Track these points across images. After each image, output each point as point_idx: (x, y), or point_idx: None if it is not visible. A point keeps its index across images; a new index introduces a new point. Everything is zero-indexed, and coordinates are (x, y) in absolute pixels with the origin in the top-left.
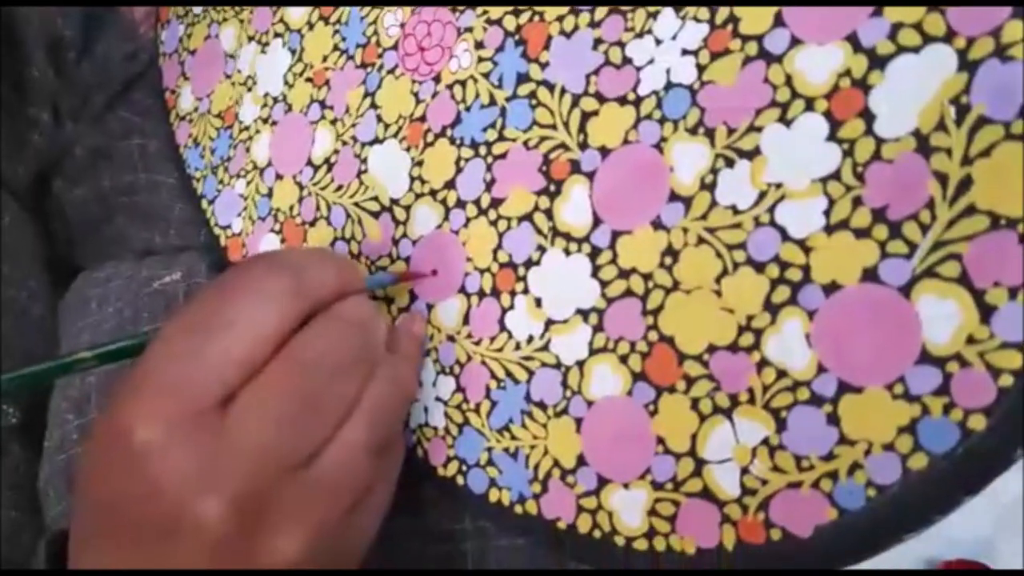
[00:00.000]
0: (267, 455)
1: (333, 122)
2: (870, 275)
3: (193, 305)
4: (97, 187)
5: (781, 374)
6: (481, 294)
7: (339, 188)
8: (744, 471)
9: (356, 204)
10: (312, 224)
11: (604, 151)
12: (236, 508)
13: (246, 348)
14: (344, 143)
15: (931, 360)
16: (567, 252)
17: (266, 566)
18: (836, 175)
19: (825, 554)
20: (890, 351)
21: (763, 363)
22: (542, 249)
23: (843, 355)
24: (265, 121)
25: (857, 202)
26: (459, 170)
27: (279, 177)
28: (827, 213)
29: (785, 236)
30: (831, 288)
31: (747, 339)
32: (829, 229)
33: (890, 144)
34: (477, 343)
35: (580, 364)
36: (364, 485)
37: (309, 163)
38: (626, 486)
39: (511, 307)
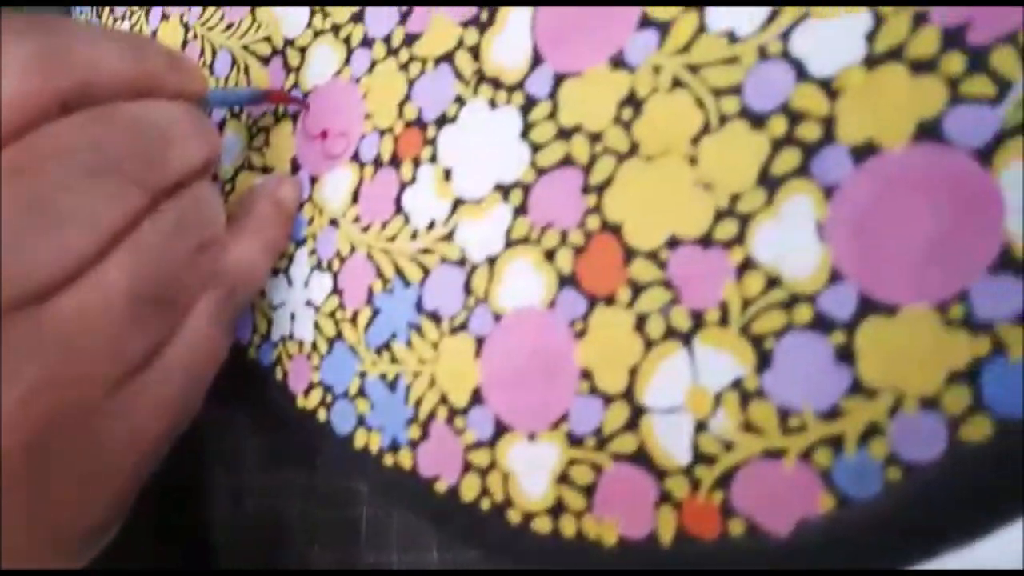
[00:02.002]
0: None
1: None
2: (929, 131)
3: None
4: None
5: (772, 283)
6: (377, 163)
7: (229, 27)
8: (701, 427)
9: (245, 47)
10: None
11: None
12: None
13: None
14: None
15: (1015, 265)
16: (493, 104)
17: None
18: None
19: (807, 566)
20: (949, 249)
21: (747, 265)
22: (461, 101)
23: (872, 254)
24: None
25: (921, 20)
26: None
27: (165, 17)
28: (871, 37)
29: (802, 73)
30: (864, 151)
31: (727, 228)
32: (872, 61)
33: None
34: (365, 230)
35: (491, 261)
36: (126, 349)
37: None
38: (531, 437)
39: (412, 180)
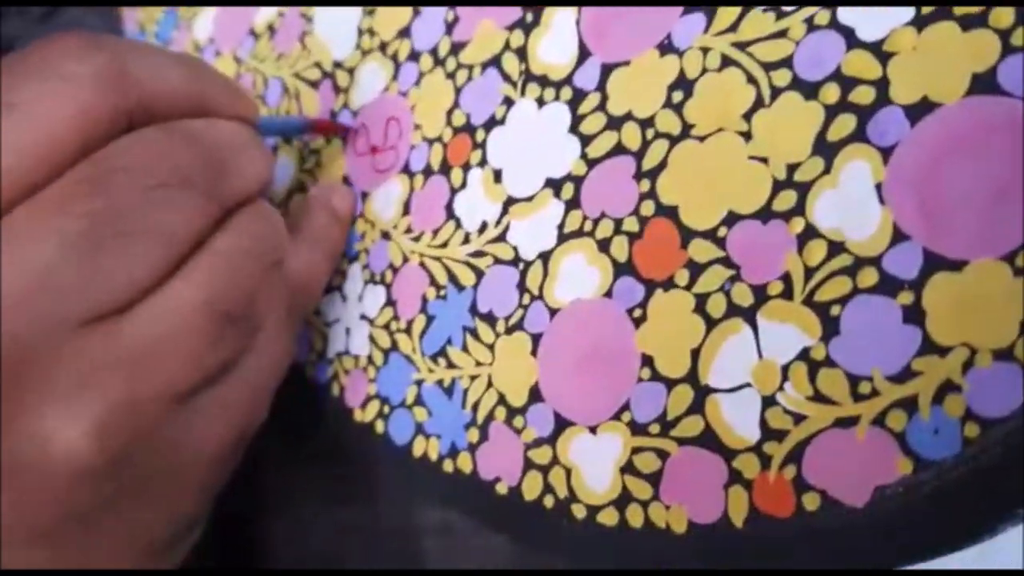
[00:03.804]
0: (39, 295)
1: None
2: (984, 83)
3: None
4: None
5: (836, 248)
6: (427, 172)
7: (279, 57)
8: (769, 402)
9: (296, 74)
10: None
11: None
12: None
13: (23, 147)
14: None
15: None
16: (540, 102)
17: (35, 461)
18: None
19: (887, 536)
20: (1013, 198)
21: (808, 234)
22: (509, 102)
23: (935, 212)
24: None
25: None
26: (416, 13)
27: (218, 54)
28: None
29: (852, 40)
30: (920, 109)
31: (786, 199)
32: (921, 22)
33: None
34: (417, 239)
35: (545, 257)
36: (200, 365)
37: (251, 33)
38: (593, 430)
39: (463, 185)
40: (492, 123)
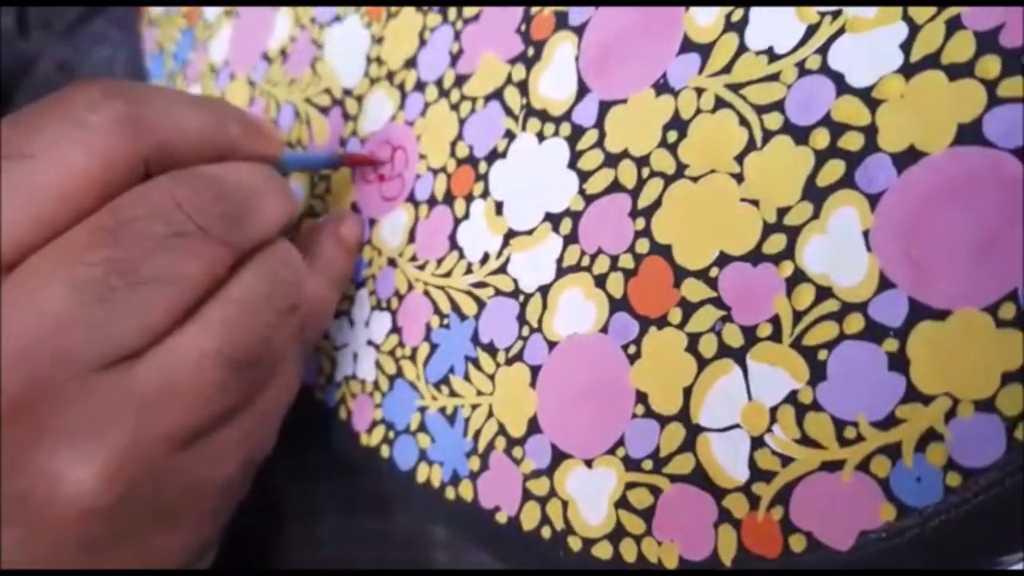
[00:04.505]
0: (54, 340)
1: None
2: (970, 134)
3: None
4: None
5: (823, 294)
6: (432, 201)
7: (291, 82)
8: (757, 443)
9: (307, 100)
10: None
11: None
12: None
13: (41, 196)
14: (302, 27)
15: None
16: (541, 136)
17: (44, 498)
18: None
19: None
20: (997, 250)
21: (797, 278)
22: (510, 135)
23: (920, 261)
24: (228, 14)
25: (954, 25)
26: (423, 43)
27: (233, 77)
28: (906, 47)
29: (842, 86)
30: (907, 158)
31: (776, 243)
32: (909, 69)
33: None
34: (421, 267)
35: (544, 290)
36: (208, 411)
37: (264, 57)
38: (589, 464)
39: (465, 216)
40: (494, 156)
